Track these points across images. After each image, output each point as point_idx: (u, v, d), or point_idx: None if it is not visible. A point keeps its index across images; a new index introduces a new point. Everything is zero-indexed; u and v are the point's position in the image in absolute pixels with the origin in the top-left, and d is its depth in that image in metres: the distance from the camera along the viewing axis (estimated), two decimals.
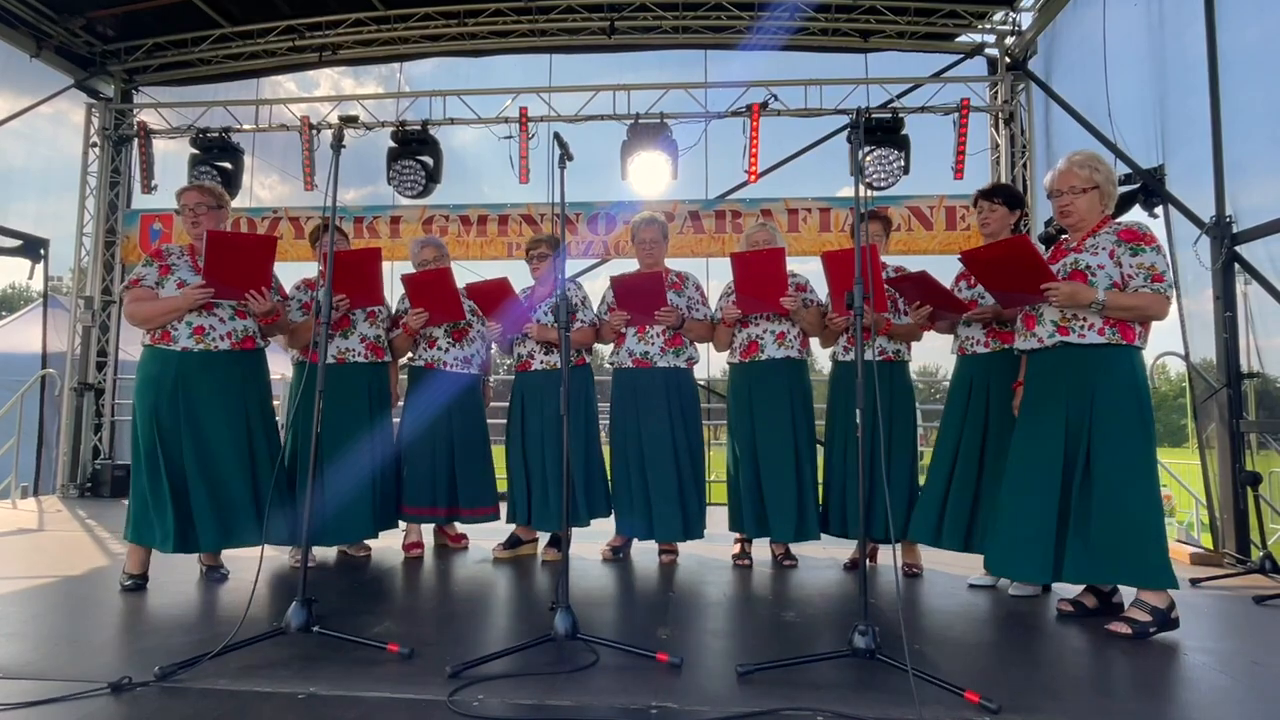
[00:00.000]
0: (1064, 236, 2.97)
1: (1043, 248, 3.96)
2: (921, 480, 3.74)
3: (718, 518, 3.92)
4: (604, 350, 4.10)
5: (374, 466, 3.70)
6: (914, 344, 3.69)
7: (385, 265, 4.67)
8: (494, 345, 4.11)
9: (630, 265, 4.00)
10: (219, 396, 3.15)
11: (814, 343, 3.88)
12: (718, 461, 4.14)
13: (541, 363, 3.85)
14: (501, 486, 4.01)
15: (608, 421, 3.96)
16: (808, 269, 4.11)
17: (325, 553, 3.85)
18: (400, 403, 4.03)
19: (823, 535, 3.67)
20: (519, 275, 4.13)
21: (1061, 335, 2.74)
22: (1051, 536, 2.71)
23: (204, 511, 3.08)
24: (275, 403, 3.88)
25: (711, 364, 6.36)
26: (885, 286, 3.44)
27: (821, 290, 3.73)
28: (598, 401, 4.02)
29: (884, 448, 3.40)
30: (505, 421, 4.02)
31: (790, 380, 3.69)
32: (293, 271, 7.20)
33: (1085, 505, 2.69)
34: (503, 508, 3.98)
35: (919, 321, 3.40)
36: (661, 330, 3.77)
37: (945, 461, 3.34)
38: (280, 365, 6.19)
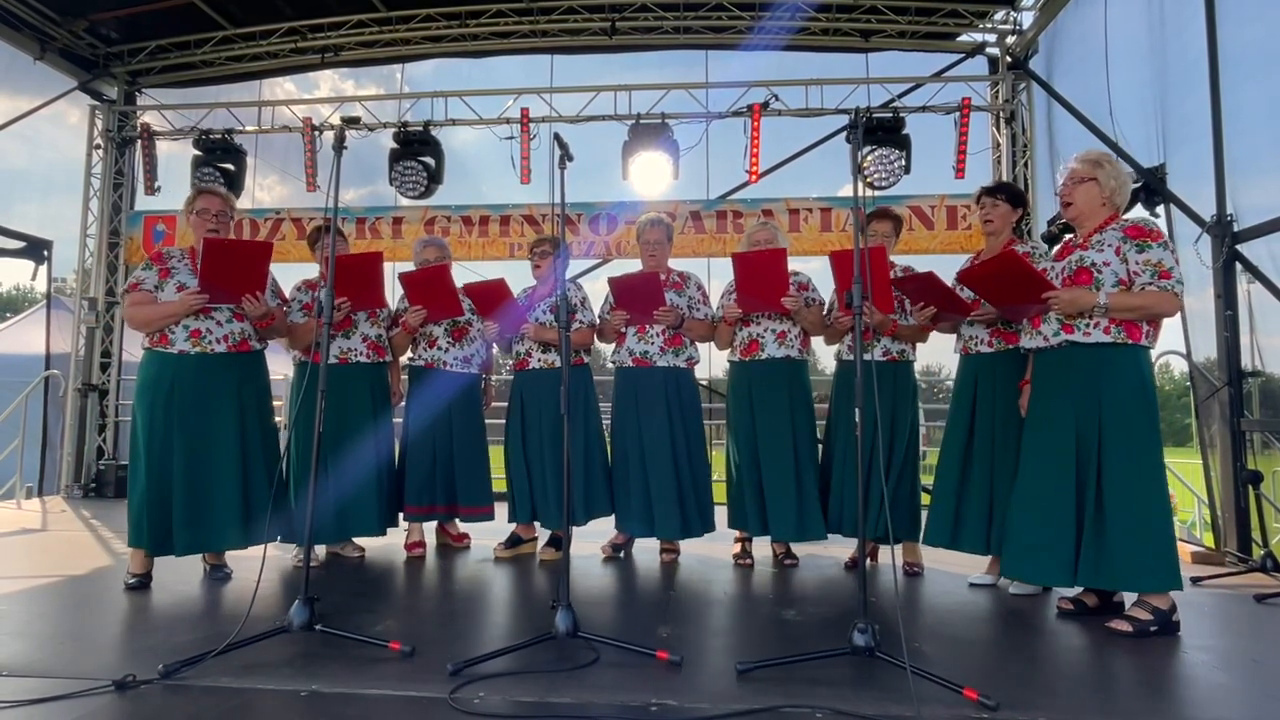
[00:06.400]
0: (1067, 236, 2.98)
1: (1046, 247, 3.97)
2: (925, 480, 3.73)
3: (720, 516, 3.91)
4: (606, 349, 4.11)
5: (378, 465, 3.72)
6: (918, 344, 3.69)
7: (387, 265, 4.69)
8: (494, 345, 4.11)
9: (631, 265, 4.01)
10: (213, 399, 3.17)
11: (817, 342, 3.89)
12: (721, 461, 4.15)
13: (539, 361, 3.86)
14: (501, 485, 4.01)
15: (609, 420, 3.97)
16: (810, 268, 4.11)
17: (318, 553, 3.80)
18: (402, 402, 4.04)
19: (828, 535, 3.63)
20: (520, 275, 4.15)
21: (1066, 333, 2.73)
22: (1071, 539, 2.69)
23: (181, 515, 3.10)
24: (277, 403, 3.89)
25: (713, 363, 6.36)
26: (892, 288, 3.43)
27: (825, 289, 3.73)
28: (599, 400, 4.02)
29: (886, 447, 3.41)
30: (505, 421, 4.03)
31: (790, 379, 3.68)
32: (294, 273, 7.25)
33: (1098, 508, 2.67)
34: (501, 507, 3.98)
35: (922, 322, 3.40)
36: (661, 330, 3.77)
37: (955, 464, 3.32)
38: (282, 366, 6.22)
